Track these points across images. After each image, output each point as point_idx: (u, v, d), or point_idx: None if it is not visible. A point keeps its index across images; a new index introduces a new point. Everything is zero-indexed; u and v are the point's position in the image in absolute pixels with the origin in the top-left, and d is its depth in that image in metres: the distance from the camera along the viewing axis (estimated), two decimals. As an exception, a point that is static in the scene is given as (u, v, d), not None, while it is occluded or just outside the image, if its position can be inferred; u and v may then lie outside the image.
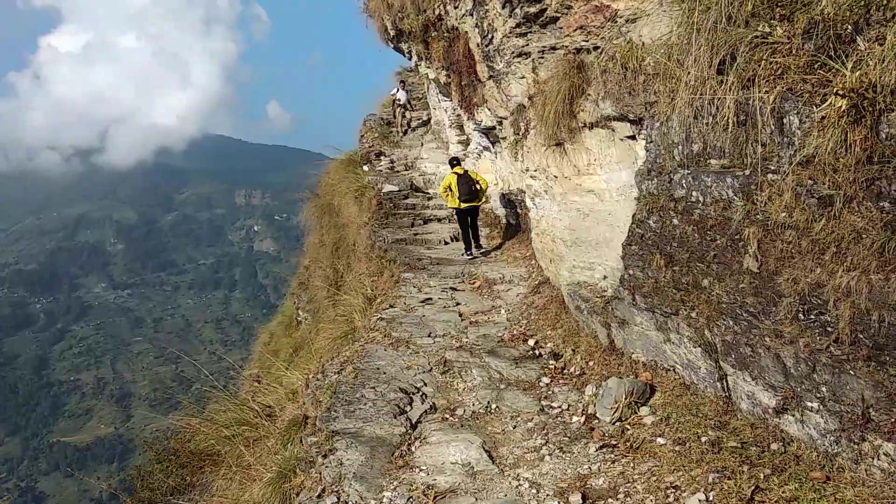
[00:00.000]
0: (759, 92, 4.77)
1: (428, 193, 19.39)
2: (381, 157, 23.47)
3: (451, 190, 14.28)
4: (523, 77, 10.44)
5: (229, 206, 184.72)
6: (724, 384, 5.50)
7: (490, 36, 11.18)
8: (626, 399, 6.08)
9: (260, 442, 7.80)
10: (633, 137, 7.38)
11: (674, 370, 6.27)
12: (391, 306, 11.01)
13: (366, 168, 22.56)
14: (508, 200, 15.20)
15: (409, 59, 17.97)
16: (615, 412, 6.07)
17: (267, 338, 31.92)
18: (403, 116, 25.08)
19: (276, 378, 11.21)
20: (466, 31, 12.86)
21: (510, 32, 10.10)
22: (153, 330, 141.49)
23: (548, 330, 8.88)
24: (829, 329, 4.28)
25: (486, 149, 16.85)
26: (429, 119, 24.84)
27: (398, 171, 21.53)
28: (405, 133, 24.81)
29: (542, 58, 9.68)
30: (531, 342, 8.58)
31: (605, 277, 8.26)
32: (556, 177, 9.39)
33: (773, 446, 4.88)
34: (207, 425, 9.46)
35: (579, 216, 8.88)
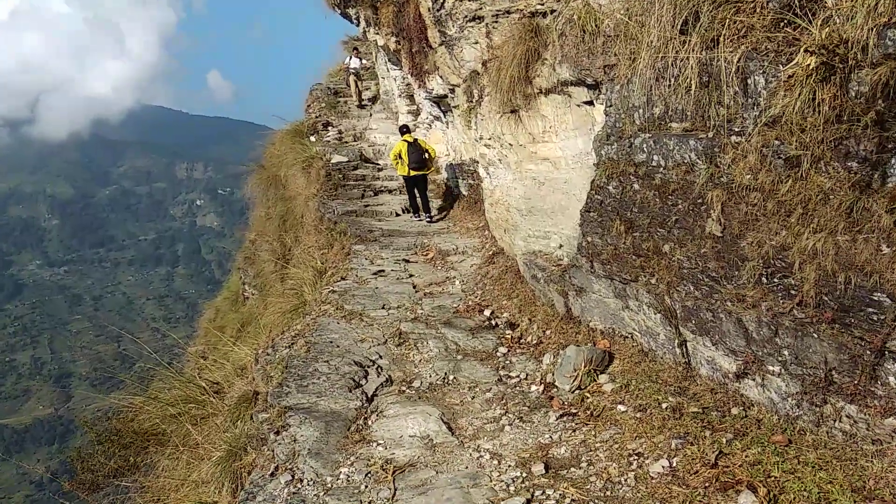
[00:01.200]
0: (724, 52, 4.67)
1: (378, 164, 19.04)
2: (329, 128, 22.92)
3: (400, 158, 14.47)
4: (476, 42, 10.19)
5: (170, 180, 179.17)
6: (684, 350, 5.47)
7: (442, 0, 10.88)
8: (584, 367, 6.01)
9: (208, 420, 7.51)
10: (590, 103, 7.25)
11: (632, 337, 6.23)
12: (343, 279, 10.75)
13: (312, 139, 21.99)
14: (461, 171, 15.01)
15: (357, 25, 17.48)
16: (574, 380, 6.00)
17: (212, 314, 31.17)
18: (357, 85, 24.29)
19: (224, 354, 10.87)
20: (417, -4, 12.51)
21: (463, -4, 9.82)
22: (93, 308, 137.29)
23: (503, 300, 8.77)
24: (793, 292, 4.25)
25: (436, 119, 16.58)
26: (377, 95, 24.33)
27: (346, 142, 21.07)
28: (362, 105, 24.03)
29: (497, 22, 9.45)
30: (487, 312, 8.47)
31: (560, 246, 8.17)
32: (511, 145, 9.23)
33: (734, 411, 4.88)
34: (151, 404, 9.09)
35: (535, 185, 8.76)
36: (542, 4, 8.36)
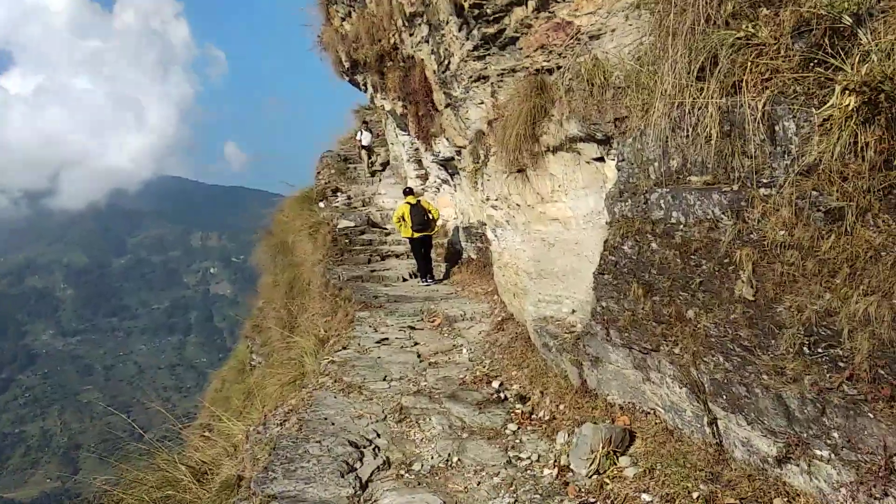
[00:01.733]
0: (747, 98, 4.25)
1: (385, 229, 18.71)
2: (338, 194, 22.81)
3: (403, 220, 14.62)
4: (482, 102, 9.93)
5: (185, 249, 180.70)
6: (715, 429, 4.86)
7: (447, 61, 10.69)
8: (603, 448, 5.39)
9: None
10: (600, 159, 6.84)
11: (655, 413, 5.61)
12: (344, 348, 10.21)
13: (321, 205, 21.83)
14: (469, 234, 14.61)
15: (365, 91, 17.45)
16: (592, 463, 5.37)
17: (219, 384, 30.53)
18: (369, 158, 24.28)
19: (219, 431, 10.29)
20: (423, 59, 12.38)
21: (468, 56, 9.60)
22: (104, 378, 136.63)
23: (513, 370, 8.18)
24: (842, 364, 3.68)
25: (444, 182, 16.32)
26: (388, 161, 24.26)
27: (355, 207, 20.87)
28: (373, 173, 23.90)
29: (502, 81, 9.19)
30: (495, 384, 7.86)
31: (573, 311, 7.63)
32: (518, 205, 8.81)
33: (776, 502, 4.23)
34: (135, 488, 8.46)
35: (544, 246, 8.29)
36: (548, 61, 8.08)
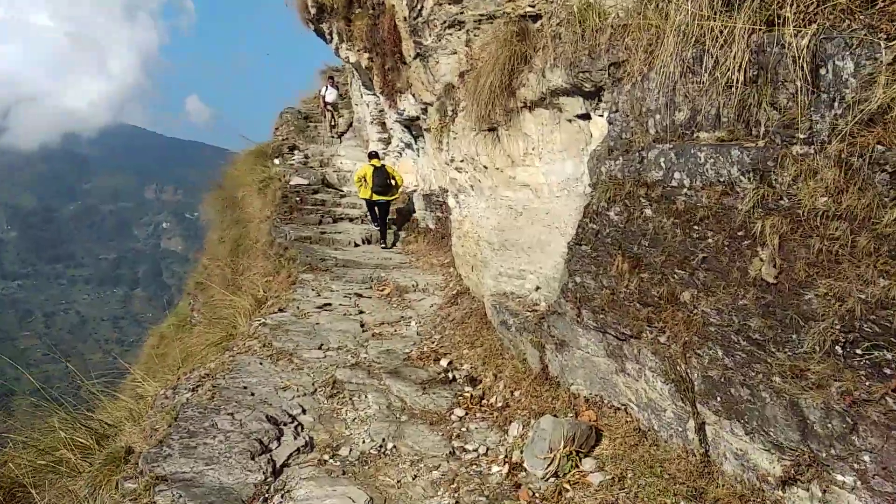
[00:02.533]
0: (789, 31, 3.36)
1: (341, 191, 17.61)
2: (295, 151, 21.53)
3: (365, 180, 13.91)
4: (454, 52, 8.91)
5: (138, 200, 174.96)
6: (702, 436, 4.03)
7: (419, 6, 9.62)
8: (564, 447, 4.53)
9: (76, 479, 5.83)
10: (585, 116, 5.93)
11: (626, 410, 4.78)
12: (280, 310, 9.20)
13: (277, 161, 20.52)
14: (429, 202, 13.64)
15: (330, 41, 16.20)
16: (550, 464, 4.52)
17: (157, 339, 29.11)
18: (332, 118, 22.81)
19: (137, 391, 9.22)
20: (393, 4, 11.27)
21: (443, -2, 8.57)
22: (44, 325, 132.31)
23: (465, 348, 7.28)
24: (889, 371, 2.87)
25: (407, 146, 15.28)
26: (351, 122, 22.99)
27: (312, 167, 19.65)
28: (339, 136, 22.46)
29: (479, 28, 8.18)
30: (444, 362, 6.95)
31: (538, 288, 6.76)
32: (485, 168, 7.87)
33: (774, 531, 3.44)
34: (29, 449, 7.36)
35: (511, 214, 7.38)
36: (533, 5, 7.10)
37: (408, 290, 10.56)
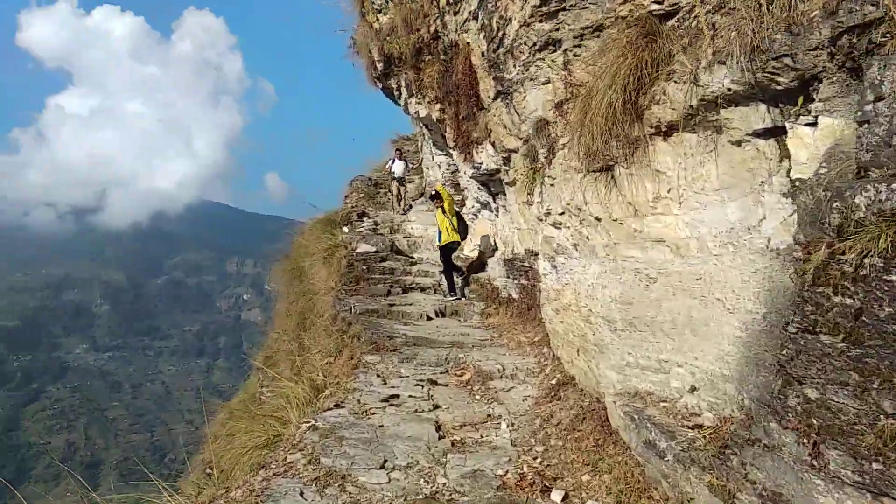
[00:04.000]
0: None
1: (412, 258, 15.85)
2: (364, 218, 20.08)
3: (449, 223, 13.17)
4: (547, 81, 7.08)
5: (220, 274, 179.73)
6: None
7: (501, 33, 7.93)
8: None
9: None
10: (771, 132, 3.90)
11: None
12: (337, 405, 7.28)
13: (345, 229, 19.06)
14: (512, 268, 11.66)
15: (399, 97, 14.79)
16: None
17: (226, 416, 27.68)
18: (399, 192, 20.90)
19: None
20: (468, 42, 9.65)
21: (532, 16, 6.80)
22: (131, 396, 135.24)
23: (584, 473, 5.10)
24: None
25: (484, 206, 13.47)
26: (422, 192, 21.33)
27: (381, 233, 18.08)
28: (405, 211, 20.40)
29: (580, 45, 6.34)
30: (557, 497, 4.79)
31: (693, 389, 4.59)
32: (597, 220, 5.88)
33: None
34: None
35: (639, 282, 5.31)
36: (660, 2, 5.20)
37: (492, 375, 8.49)
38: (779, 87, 3.54)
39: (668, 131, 4.86)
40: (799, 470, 2.94)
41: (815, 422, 2.84)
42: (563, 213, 6.57)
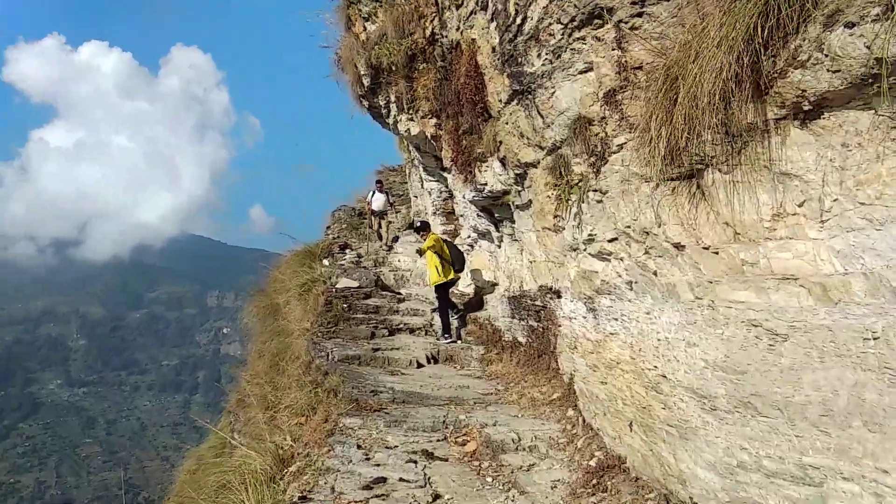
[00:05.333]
0: None
1: (399, 294, 13.96)
2: (347, 251, 18.20)
3: (442, 258, 11.16)
4: (587, 69, 5.32)
5: (200, 307, 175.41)
6: None
7: (520, 17, 6.22)
8: None
9: None
10: None
11: None
12: (304, 497, 5.34)
13: (326, 262, 17.11)
14: (518, 306, 9.80)
15: (387, 116, 13.05)
16: None
17: (193, 464, 25.19)
18: (381, 227, 18.61)
19: None
20: (474, 39, 7.95)
21: (568, -17, 5.09)
22: (105, 432, 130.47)
23: None
24: None
25: (482, 236, 11.65)
26: (411, 223, 19.36)
27: (365, 266, 16.19)
28: (389, 247, 18.13)
29: (642, 13, 4.60)
30: None
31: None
32: (677, 247, 4.06)
33: None
34: None
35: (756, 340, 3.48)
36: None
37: (505, 447, 6.56)
38: None
39: (812, 111, 3.11)
40: None
41: None
42: (614, 240, 4.77)
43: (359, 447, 6.63)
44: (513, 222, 9.14)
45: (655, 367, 4.33)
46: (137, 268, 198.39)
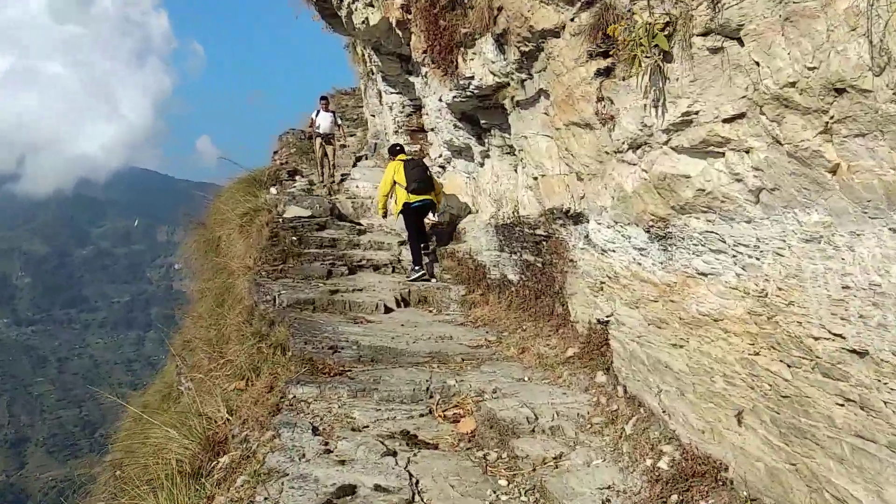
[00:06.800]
0: None
1: (360, 224, 11.83)
2: (297, 177, 15.80)
3: (396, 185, 9.26)
4: None
5: (150, 243, 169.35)
6: None
7: None
8: None
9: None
10: None
11: None
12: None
13: (273, 190, 14.67)
14: (510, 237, 7.82)
15: (339, 9, 10.61)
16: None
17: (139, 410, 23.05)
18: (324, 153, 15.04)
19: None
20: None
21: None
22: (57, 371, 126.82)
23: None
24: None
25: (457, 153, 9.56)
26: (361, 157, 16.68)
27: (318, 195, 13.89)
28: (332, 182, 14.77)
29: None
30: None
31: None
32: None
33: None
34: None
35: None
36: None
37: (516, 429, 4.67)
38: None
39: None
40: None
41: None
42: (738, 118, 2.77)
43: (315, 431, 4.68)
44: (505, 130, 7.06)
45: (834, 334, 2.42)
46: (82, 202, 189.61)
